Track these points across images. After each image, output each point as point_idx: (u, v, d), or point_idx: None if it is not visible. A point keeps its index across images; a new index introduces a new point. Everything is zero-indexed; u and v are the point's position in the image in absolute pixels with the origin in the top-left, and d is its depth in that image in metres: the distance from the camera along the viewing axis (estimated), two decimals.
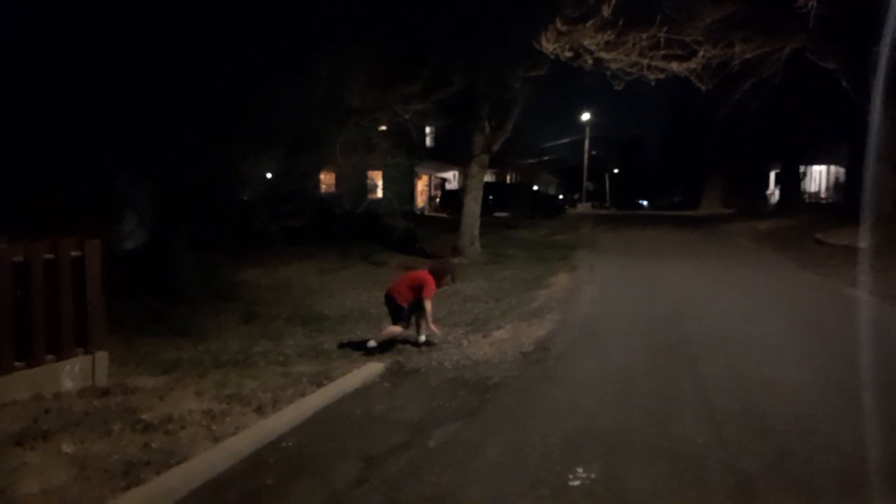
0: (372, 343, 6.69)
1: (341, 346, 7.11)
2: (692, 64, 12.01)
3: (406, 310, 6.66)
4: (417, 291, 6.63)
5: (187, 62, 9.66)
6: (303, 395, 5.07)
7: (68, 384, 4.93)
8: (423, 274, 6.78)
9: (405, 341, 6.94)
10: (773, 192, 37.47)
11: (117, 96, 9.76)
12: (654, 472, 3.71)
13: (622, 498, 3.40)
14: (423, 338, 6.89)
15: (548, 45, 11.52)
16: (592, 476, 3.65)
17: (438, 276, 6.78)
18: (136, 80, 9.57)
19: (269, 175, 15.84)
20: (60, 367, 4.93)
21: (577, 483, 3.58)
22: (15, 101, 9.80)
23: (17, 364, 4.65)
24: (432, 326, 6.69)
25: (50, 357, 4.87)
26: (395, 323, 6.71)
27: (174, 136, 9.67)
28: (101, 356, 5.21)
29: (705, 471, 3.71)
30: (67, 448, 3.79)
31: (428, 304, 6.63)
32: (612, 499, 3.39)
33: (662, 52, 11.70)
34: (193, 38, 9.82)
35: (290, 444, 4.20)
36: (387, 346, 6.73)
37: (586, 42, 11.42)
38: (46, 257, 4.88)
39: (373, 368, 5.96)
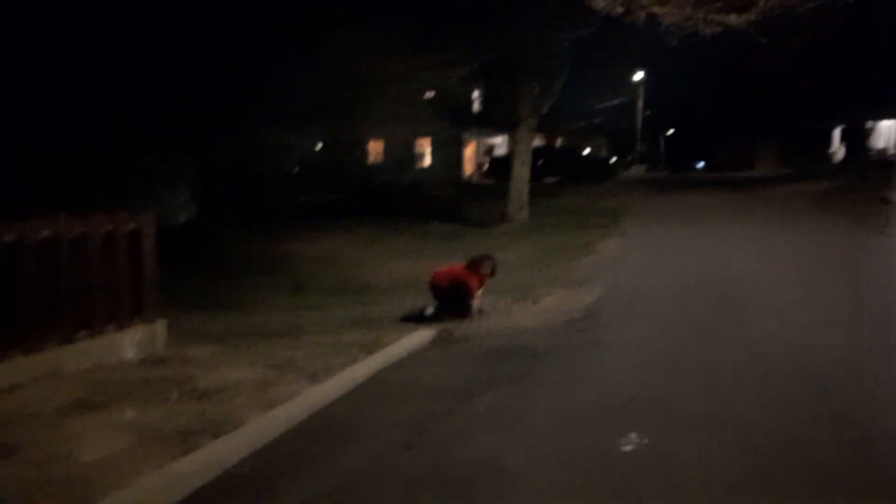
0: (429, 311, 6.75)
1: (390, 314, 7.17)
2: (751, 15, 11.42)
3: (457, 301, 6.63)
4: (456, 286, 6.62)
5: (226, 37, 9.68)
6: (353, 362, 5.14)
7: (128, 353, 5.11)
8: (463, 273, 6.71)
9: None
10: (837, 150, 35.87)
11: (143, 82, 9.81)
12: (703, 438, 3.63)
13: (671, 465, 3.34)
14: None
15: (598, 2, 11.14)
16: (640, 443, 3.60)
17: (478, 274, 6.69)
18: (166, 60, 9.60)
19: (317, 146, 15.94)
20: (121, 337, 5.11)
21: (625, 450, 3.54)
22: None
23: (79, 334, 4.84)
24: (473, 315, 6.64)
25: (111, 327, 5.05)
26: (442, 306, 6.72)
27: (212, 113, 9.75)
28: (160, 325, 5.38)
29: (756, 437, 3.61)
30: (128, 414, 3.94)
31: (474, 306, 6.62)
32: (660, 466, 3.34)
33: (719, 4, 11.17)
34: (233, 9, 9.83)
35: (341, 410, 4.27)
36: (437, 314, 6.75)
37: None
38: (104, 230, 5.03)
39: (422, 336, 6.00)
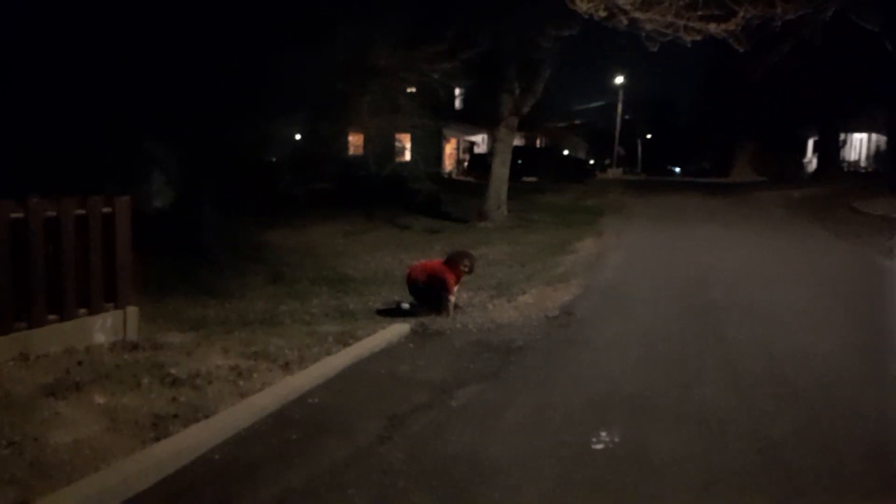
0: (405, 305, 6.72)
1: (366, 307, 7.15)
2: (730, 25, 11.55)
3: (434, 295, 6.62)
4: (433, 281, 6.59)
5: (210, 24, 9.53)
6: (328, 353, 5.11)
7: (99, 338, 5.02)
8: (441, 268, 6.69)
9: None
10: (811, 160, 36.56)
11: (129, 71, 9.58)
12: (677, 436, 3.69)
13: (645, 461, 3.39)
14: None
15: (581, 4, 11.19)
16: (615, 439, 3.64)
17: (456, 270, 6.69)
18: (151, 47, 9.39)
19: (297, 137, 15.82)
20: (92, 322, 5.02)
21: (599, 446, 3.58)
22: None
23: (50, 317, 4.74)
24: (449, 310, 6.64)
25: (82, 311, 4.96)
26: (418, 301, 6.70)
27: (197, 101, 9.61)
28: (132, 311, 5.29)
29: (729, 436, 3.68)
30: (99, 399, 3.88)
31: (451, 303, 6.61)
32: (634, 462, 3.38)
33: (700, 13, 11.29)
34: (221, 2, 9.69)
35: (315, 401, 4.25)
36: (413, 309, 6.74)
37: (620, 1, 11.06)
38: (77, 213, 4.94)
39: (398, 329, 5.98)
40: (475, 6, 12.92)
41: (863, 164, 32.98)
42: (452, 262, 6.76)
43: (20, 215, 4.56)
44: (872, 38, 16.27)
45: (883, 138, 29.17)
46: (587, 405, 4.16)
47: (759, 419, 3.92)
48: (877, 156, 30.89)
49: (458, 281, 6.73)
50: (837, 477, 3.27)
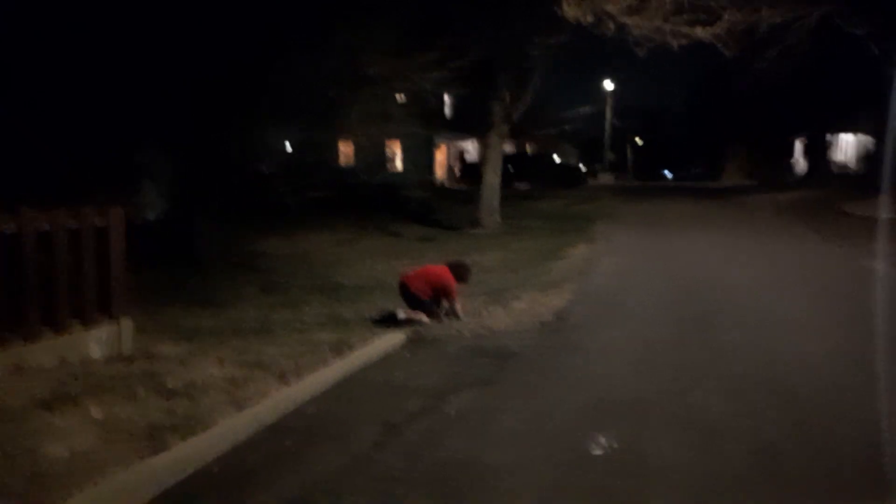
0: (401, 315, 6.68)
1: (360, 315, 7.14)
2: (716, 29, 11.70)
3: (428, 303, 6.64)
4: (438, 290, 6.62)
5: (201, 32, 9.52)
6: (324, 362, 5.11)
7: (94, 350, 5.01)
8: (443, 273, 6.71)
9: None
10: (799, 163, 36.87)
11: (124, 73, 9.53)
12: (672, 441, 3.71)
13: (640, 466, 3.40)
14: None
15: (569, 11, 11.28)
16: (611, 445, 3.66)
17: (458, 278, 6.74)
18: (142, 54, 9.35)
19: (287, 145, 15.83)
20: (86, 334, 5.00)
21: (595, 452, 3.59)
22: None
23: (44, 330, 4.73)
24: (459, 313, 6.71)
25: (76, 323, 4.95)
26: (412, 308, 6.69)
27: (190, 109, 9.61)
28: (126, 323, 5.28)
29: (723, 440, 3.70)
30: (94, 411, 3.86)
31: (458, 306, 6.66)
32: (630, 467, 3.40)
33: (686, 17, 11.42)
34: (207, 5, 9.68)
35: (312, 411, 4.24)
36: (408, 317, 6.73)
37: (608, 7, 11.16)
38: (70, 226, 4.93)
39: (393, 338, 5.99)
40: (466, 16, 13.00)
41: (851, 165, 33.27)
42: (455, 270, 6.78)
43: (12, 228, 4.55)
44: (859, 43, 16.44)
45: (870, 139, 29.47)
46: (582, 410, 4.18)
47: (751, 422, 3.95)
48: (864, 157, 31.18)
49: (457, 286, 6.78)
50: (831, 478, 3.30)
